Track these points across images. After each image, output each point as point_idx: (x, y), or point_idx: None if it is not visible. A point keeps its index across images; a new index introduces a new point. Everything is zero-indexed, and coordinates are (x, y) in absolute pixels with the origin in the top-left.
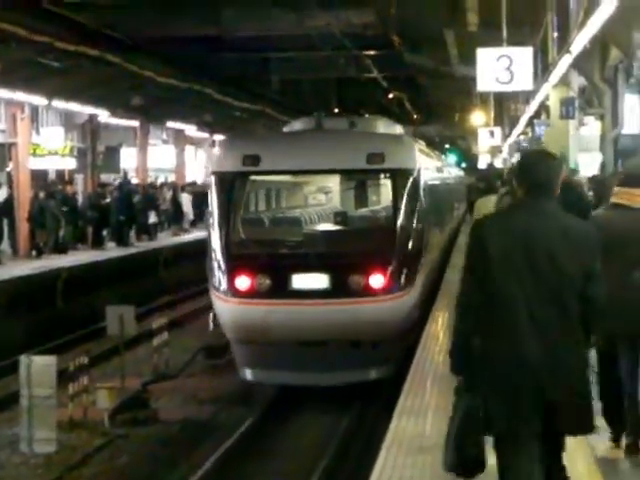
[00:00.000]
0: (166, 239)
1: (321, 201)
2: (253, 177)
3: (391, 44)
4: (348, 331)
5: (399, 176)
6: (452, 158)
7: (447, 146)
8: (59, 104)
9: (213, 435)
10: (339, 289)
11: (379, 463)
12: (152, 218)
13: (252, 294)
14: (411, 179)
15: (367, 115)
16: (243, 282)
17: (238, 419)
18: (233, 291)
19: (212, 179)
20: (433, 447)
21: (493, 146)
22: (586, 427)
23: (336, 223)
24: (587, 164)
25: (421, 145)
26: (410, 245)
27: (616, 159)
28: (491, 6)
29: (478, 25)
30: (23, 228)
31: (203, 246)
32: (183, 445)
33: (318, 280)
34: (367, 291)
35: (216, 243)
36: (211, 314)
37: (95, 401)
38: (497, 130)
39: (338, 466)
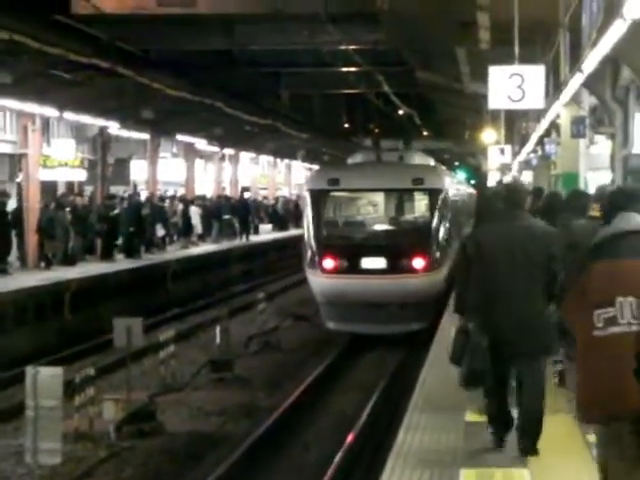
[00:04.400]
0: (175, 252)
1: (370, 211)
2: (333, 194)
3: (402, 61)
4: (398, 297)
5: (433, 194)
6: (462, 175)
7: (457, 163)
8: (70, 116)
9: (219, 448)
10: (393, 268)
11: (385, 477)
12: (160, 231)
13: (335, 271)
14: (441, 195)
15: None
16: (329, 263)
17: (244, 432)
18: (322, 269)
19: (307, 195)
20: (437, 462)
21: (503, 164)
22: (540, 349)
23: (390, 224)
24: (597, 183)
25: (446, 171)
26: (440, 240)
27: (625, 178)
28: (503, 24)
29: (490, 43)
30: (32, 239)
31: (214, 259)
32: (189, 458)
33: (379, 262)
34: (412, 270)
35: (311, 238)
36: (218, 327)
37: (101, 413)
38: (507, 148)
39: None
